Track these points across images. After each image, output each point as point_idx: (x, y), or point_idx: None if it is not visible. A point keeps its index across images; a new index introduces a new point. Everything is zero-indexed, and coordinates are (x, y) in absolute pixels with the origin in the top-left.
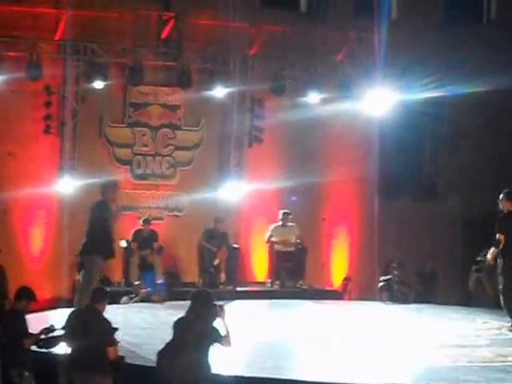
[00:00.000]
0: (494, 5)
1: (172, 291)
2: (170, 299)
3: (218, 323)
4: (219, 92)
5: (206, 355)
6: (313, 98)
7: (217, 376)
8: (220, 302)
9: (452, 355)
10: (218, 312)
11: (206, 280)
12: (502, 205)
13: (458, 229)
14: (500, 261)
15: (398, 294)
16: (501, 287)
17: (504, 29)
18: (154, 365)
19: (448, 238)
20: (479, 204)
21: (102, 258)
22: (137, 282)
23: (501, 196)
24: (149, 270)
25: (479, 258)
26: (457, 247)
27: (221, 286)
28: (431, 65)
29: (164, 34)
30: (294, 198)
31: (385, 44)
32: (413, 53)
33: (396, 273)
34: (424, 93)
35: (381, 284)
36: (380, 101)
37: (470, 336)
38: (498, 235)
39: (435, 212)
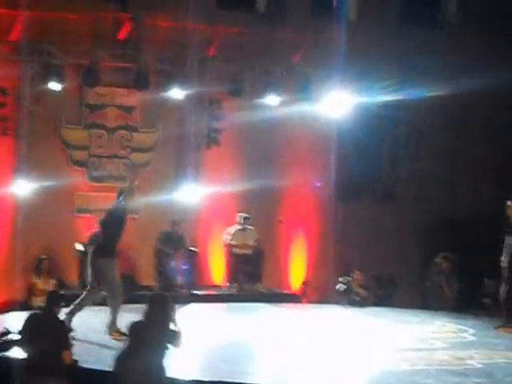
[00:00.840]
0: (451, 9)
1: (128, 294)
2: (127, 302)
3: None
4: (176, 94)
5: (162, 359)
6: (271, 99)
7: (172, 380)
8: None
9: (410, 358)
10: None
11: (163, 283)
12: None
13: (416, 232)
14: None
15: (357, 297)
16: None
17: (461, 33)
18: (111, 369)
19: (407, 241)
20: (437, 207)
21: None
22: None
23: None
24: None
25: (439, 260)
26: (415, 250)
27: (178, 290)
28: (389, 68)
29: (121, 36)
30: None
31: (343, 46)
32: (371, 55)
33: (355, 276)
34: (382, 96)
35: (340, 287)
36: (338, 103)
37: (428, 339)
38: None
39: (394, 215)
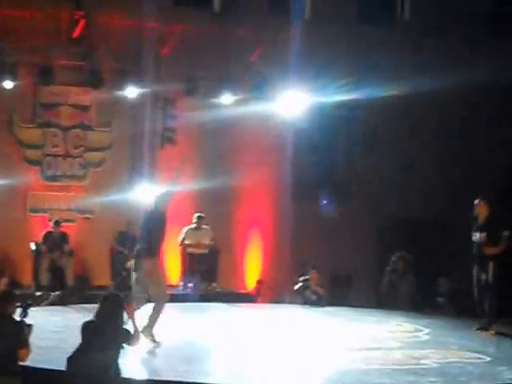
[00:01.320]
0: (407, 6)
1: (83, 294)
2: (81, 302)
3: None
4: (131, 92)
5: (116, 359)
6: (226, 98)
7: (127, 380)
8: (126, 299)
9: (365, 358)
10: (125, 308)
11: (118, 283)
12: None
13: (371, 231)
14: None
15: (313, 296)
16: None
17: (417, 31)
18: (64, 369)
19: (362, 240)
20: (392, 206)
21: None
22: None
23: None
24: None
25: (394, 259)
26: (371, 249)
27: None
28: (345, 67)
29: (75, 34)
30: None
31: (299, 44)
32: (327, 54)
33: (312, 275)
34: (338, 95)
35: (298, 286)
36: (294, 102)
37: (384, 339)
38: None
39: (349, 214)
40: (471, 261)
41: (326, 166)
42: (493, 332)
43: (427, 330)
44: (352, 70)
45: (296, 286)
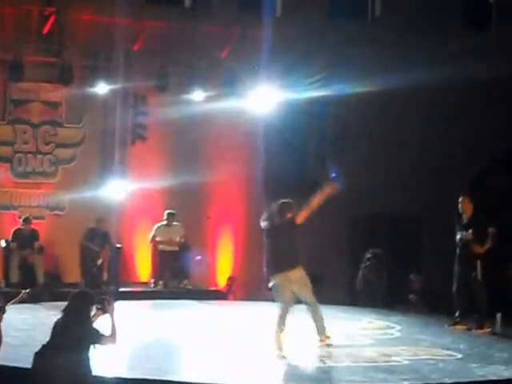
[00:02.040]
0: (379, 2)
1: (53, 292)
2: (52, 300)
3: (102, 320)
4: (102, 88)
5: (86, 357)
6: (197, 95)
7: (98, 378)
8: (107, 297)
9: (336, 355)
10: (105, 306)
11: (89, 280)
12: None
13: (344, 229)
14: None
15: None
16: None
17: (388, 27)
18: (30, 366)
19: (335, 237)
20: (365, 204)
21: None
22: None
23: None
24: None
25: (368, 256)
26: (344, 246)
27: (103, 287)
28: (317, 63)
29: (45, 30)
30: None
31: (270, 41)
32: (298, 50)
33: None
34: (310, 91)
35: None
36: (265, 99)
37: (355, 336)
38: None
39: (321, 212)
40: (454, 259)
41: (298, 162)
42: (488, 330)
43: (399, 327)
44: (324, 66)
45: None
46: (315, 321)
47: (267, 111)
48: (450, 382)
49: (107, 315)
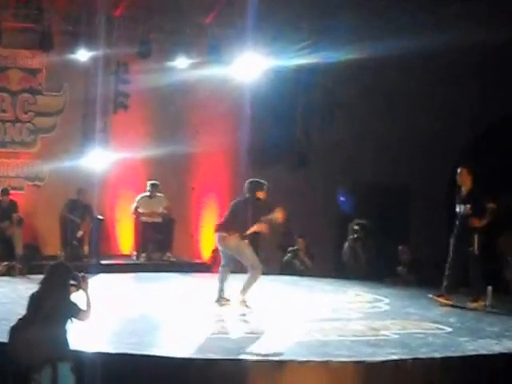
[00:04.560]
0: None
1: (32, 264)
2: (31, 273)
3: (78, 295)
4: (83, 55)
5: (63, 330)
6: (181, 62)
7: (77, 352)
8: (82, 273)
9: (323, 329)
10: (80, 283)
11: (69, 253)
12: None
13: (331, 199)
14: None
15: (301, 266)
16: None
17: None
18: (6, 340)
19: (321, 208)
20: (352, 174)
21: None
22: None
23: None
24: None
25: (355, 227)
26: (330, 218)
27: (84, 259)
28: (304, 29)
29: None
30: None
31: (256, 6)
32: (285, 16)
33: (300, 244)
34: (297, 59)
35: (287, 256)
36: (251, 66)
37: (342, 309)
38: (490, 205)
39: (308, 182)
40: (441, 230)
41: (284, 131)
42: (481, 303)
43: (387, 300)
44: (312, 32)
45: (285, 257)
46: (245, 281)
47: (253, 79)
48: (439, 356)
49: (82, 291)
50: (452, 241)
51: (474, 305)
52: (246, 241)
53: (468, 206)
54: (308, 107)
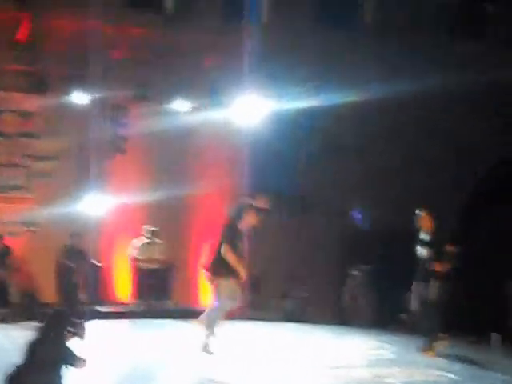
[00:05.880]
0: (369, 9)
1: (28, 312)
2: (27, 320)
3: (75, 342)
4: (79, 98)
5: (58, 377)
6: (180, 105)
7: None
8: (80, 320)
9: (329, 376)
10: (78, 330)
11: (65, 299)
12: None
13: (332, 245)
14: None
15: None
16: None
17: (379, 34)
18: None
19: (322, 254)
20: (351, 220)
21: None
22: None
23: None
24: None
25: (355, 272)
26: (330, 263)
27: (80, 306)
28: (304, 72)
29: (19, 36)
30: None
31: (255, 49)
32: (285, 59)
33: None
34: (297, 102)
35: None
36: (251, 109)
37: (347, 356)
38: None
39: (309, 227)
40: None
41: (285, 176)
42: (432, 354)
43: (392, 348)
44: (312, 76)
45: (288, 305)
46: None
47: (253, 122)
48: None
49: (79, 338)
50: (417, 287)
51: (425, 354)
52: None
53: (428, 249)
54: (309, 151)
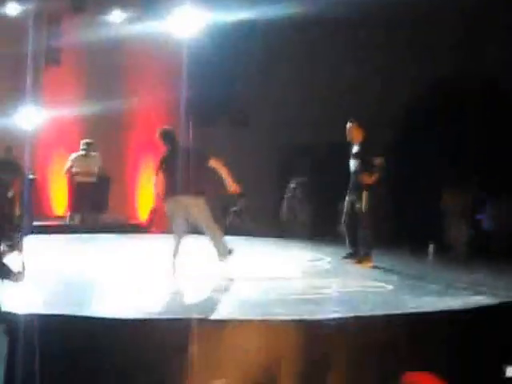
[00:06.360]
0: None
1: None
2: None
3: (12, 256)
4: (13, 9)
5: None
6: (116, 16)
7: (10, 314)
8: (17, 234)
9: (263, 288)
10: (15, 244)
11: (0, 213)
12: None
13: (271, 157)
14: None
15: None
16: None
17: None
18: None
19: (261, 166)
20: (292, 132)
21: None
22: None
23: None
24: None
25: (293, 185)
26: (270, 176)
27: (15, 221)
28: None
29: None
30: None
31: None
32: None
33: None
34: (238, 13)
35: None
36: (188, 21)
37: (283, 268)
38: (377, 160)
39: (248, 140)
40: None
41: (224, 88)
42: (369, 264)
43: (328, 259)
44: None
45: (228, 218)
46: (215, 245)
47: (191, 34)
48: (381, 313)
49: (16, 252)
50: (347, 199)
51: (360, 265)
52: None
53: (358, 161)
54: (249, 63)
